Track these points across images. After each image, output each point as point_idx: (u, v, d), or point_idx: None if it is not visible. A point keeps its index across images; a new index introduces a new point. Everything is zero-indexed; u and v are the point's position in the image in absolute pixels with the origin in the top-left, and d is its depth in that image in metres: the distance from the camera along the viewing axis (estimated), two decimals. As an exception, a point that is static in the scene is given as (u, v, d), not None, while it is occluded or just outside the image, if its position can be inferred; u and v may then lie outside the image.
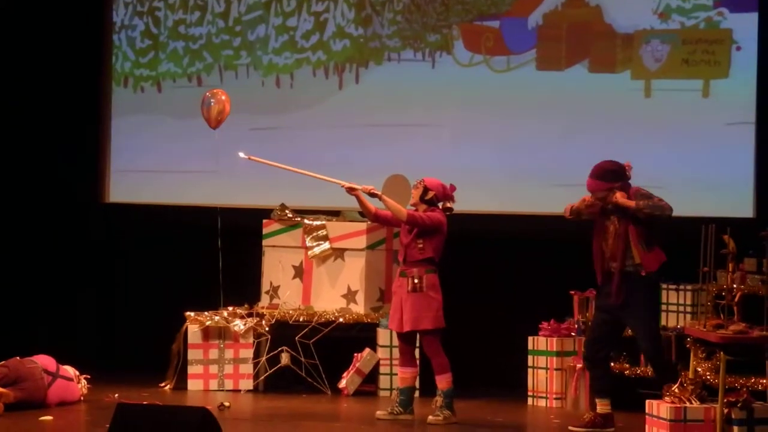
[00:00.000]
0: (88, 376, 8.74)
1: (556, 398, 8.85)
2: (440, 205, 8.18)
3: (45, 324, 10.19)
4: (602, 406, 7.86)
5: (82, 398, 8.63)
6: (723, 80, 9.15)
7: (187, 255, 10.11)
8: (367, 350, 9.28)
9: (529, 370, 8.95)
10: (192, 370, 9.29)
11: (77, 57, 10.49)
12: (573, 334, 8.93)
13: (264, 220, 9.66)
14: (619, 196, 7.66)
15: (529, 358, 8.96)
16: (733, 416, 7.09)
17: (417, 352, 8.37)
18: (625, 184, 7.77)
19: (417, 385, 8.53)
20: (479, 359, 9.45)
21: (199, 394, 9.14)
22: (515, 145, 9.57)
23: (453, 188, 8.22)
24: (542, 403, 8.89)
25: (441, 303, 8.07)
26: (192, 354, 9.30)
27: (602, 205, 7.74)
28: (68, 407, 8.44)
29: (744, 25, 9.10)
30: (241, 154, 8.45)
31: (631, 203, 7.63)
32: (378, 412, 8.28)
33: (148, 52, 10.53)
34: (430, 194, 8.14)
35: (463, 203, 9.37)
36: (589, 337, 8.00)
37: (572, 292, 9.00)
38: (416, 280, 8.01)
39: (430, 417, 8.10)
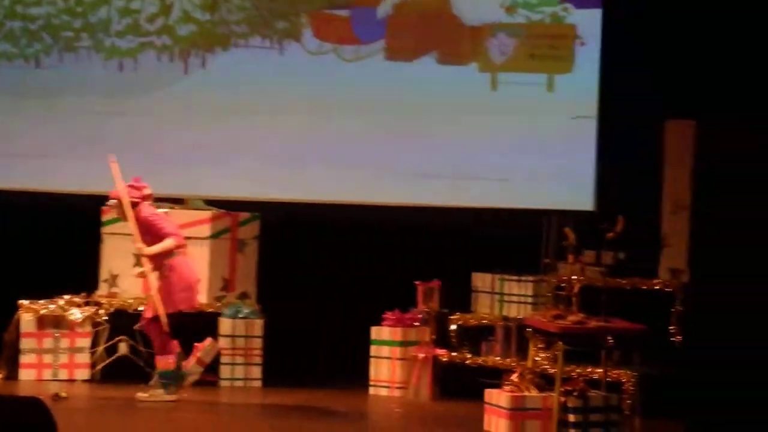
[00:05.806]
0: None
1: (398, 387, 8.84)
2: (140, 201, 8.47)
3: None
4: None
5: None
6: (567, 75, 9.24)
7: (22, 241, 9.78)
8: (209, 340, 9.11)
9: (371, 360, 8.92)
10: (24, 359, 9.04)
11: None
12: (416, 324, 8.94)
13: (102, 207, 9.40)
14: None
15: (372, 347, 8.93)
16: (569, 404, 7.18)
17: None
18: None
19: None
20: (322, 350, 9.39)
21: (32, 383, 8.90)
22: (359, 135, 9.49)
23: (137, 180, 8.45)
24: (384, 392, 8.87)
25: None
26: (25, 343, 9.05)
27: None
28: None
29: (588, 21, 9.20)
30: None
31: None
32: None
33: (-17, 31, 10.14)
34: (134, 202, 8.43)
35: (307, 192, 9.29)
36: None
37: (416, 283, 9.01)
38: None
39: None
